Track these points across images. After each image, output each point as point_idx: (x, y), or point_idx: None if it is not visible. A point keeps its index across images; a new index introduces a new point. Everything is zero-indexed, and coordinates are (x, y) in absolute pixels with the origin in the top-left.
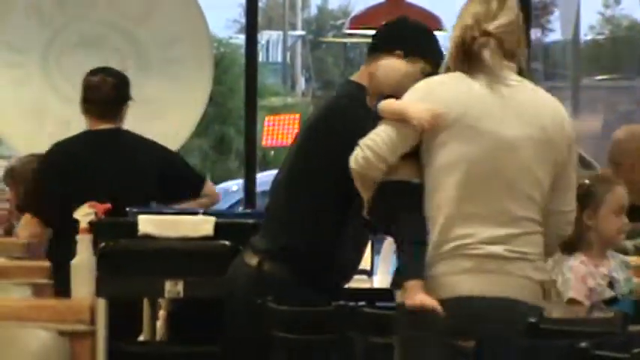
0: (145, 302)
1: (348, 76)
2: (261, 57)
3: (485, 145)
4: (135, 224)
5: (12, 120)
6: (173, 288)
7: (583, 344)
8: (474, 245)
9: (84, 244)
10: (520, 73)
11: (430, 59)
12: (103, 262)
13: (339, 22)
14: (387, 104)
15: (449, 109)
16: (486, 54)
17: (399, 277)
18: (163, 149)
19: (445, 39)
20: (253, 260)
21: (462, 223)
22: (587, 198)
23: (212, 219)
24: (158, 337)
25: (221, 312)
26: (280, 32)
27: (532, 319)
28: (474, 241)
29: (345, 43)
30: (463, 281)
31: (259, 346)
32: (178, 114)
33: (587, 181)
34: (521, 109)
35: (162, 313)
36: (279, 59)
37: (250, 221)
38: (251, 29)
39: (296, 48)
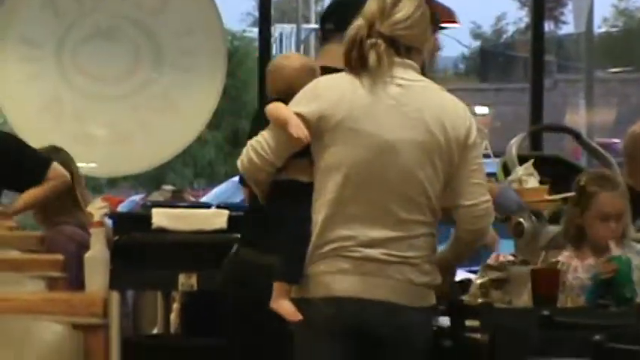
0: (159, 295)
1: None
2: (274, 50)
3: (365, 148)
4: (149, 217)
5: (27, 114)
6: (187, 281)
7: (597, 337)
8: (352, 248)
9: (97, 238)
10: (422, 69)
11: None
12: (117, 255)
13: None
14: (273, 110)
15: (333, 112)
16: (372, 56)
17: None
18: (3, 135)
19: (456, 32)
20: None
21: (342, 224)
22: (578, 196)
23: (225, 212)
24: (172, 330)
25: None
26: (294, 25)
27: (544, 312)
28: (353, 243)
29: None
30: (339, 281)
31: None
32: (192, 106)
33: (582, 179)
34: (406, 111)
35: (175, 305)
36: (293, 52)
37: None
38: (264, 22)
39: (309, 41)
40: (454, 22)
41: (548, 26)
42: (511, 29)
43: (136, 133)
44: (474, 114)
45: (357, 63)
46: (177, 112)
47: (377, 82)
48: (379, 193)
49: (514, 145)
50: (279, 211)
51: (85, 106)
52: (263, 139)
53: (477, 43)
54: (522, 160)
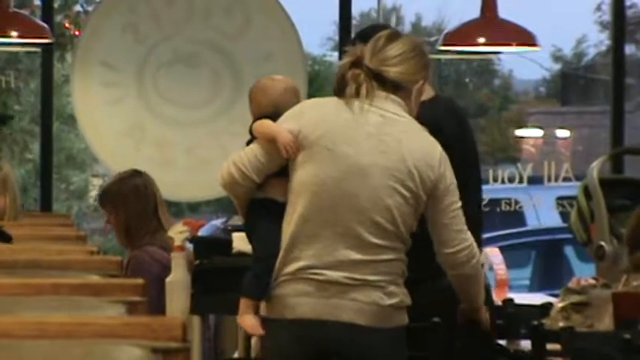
0: None
1: (441, 93)
2: None
3: (337, 168)
4: (230, 242)
5: (107, 139)
6: None
7: None
8: (316, 270)
9: (178, 262)
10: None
11: None
12: (197, 280)
13: (433, 38)
14: (260, 125)
15: (312, 129)
16: (351, 85)
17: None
18: None
19: (537, 56)
20: None
21: (308, 243)
22: None
23: None
24: (253, 355)
25: None
26: None
27: (626, 336)
28: (316, 264)
29: (439, 60)
30: (304, 304)
31: None
32: None
33: None
34: (384, 139)
35: None
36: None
37: None
38: (345, 46)
39: None
40: (534, 45)
41: (629, 49)
42: (592, 52)
43: (216, 158)
44: (556, 137)
45: (340, 92)
46: None
47: (361, 108)
48: (346, 214)
49: (595, 169)
50: (252, 228)
51: (165, 131)
52: (244, 154)
53: (557, 66)
54: (603, 183)
